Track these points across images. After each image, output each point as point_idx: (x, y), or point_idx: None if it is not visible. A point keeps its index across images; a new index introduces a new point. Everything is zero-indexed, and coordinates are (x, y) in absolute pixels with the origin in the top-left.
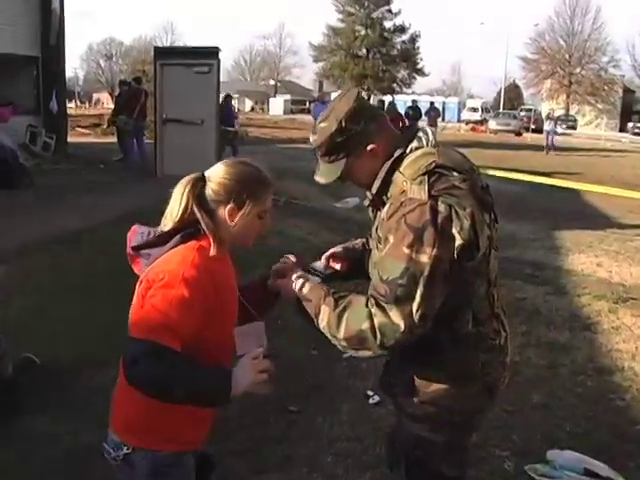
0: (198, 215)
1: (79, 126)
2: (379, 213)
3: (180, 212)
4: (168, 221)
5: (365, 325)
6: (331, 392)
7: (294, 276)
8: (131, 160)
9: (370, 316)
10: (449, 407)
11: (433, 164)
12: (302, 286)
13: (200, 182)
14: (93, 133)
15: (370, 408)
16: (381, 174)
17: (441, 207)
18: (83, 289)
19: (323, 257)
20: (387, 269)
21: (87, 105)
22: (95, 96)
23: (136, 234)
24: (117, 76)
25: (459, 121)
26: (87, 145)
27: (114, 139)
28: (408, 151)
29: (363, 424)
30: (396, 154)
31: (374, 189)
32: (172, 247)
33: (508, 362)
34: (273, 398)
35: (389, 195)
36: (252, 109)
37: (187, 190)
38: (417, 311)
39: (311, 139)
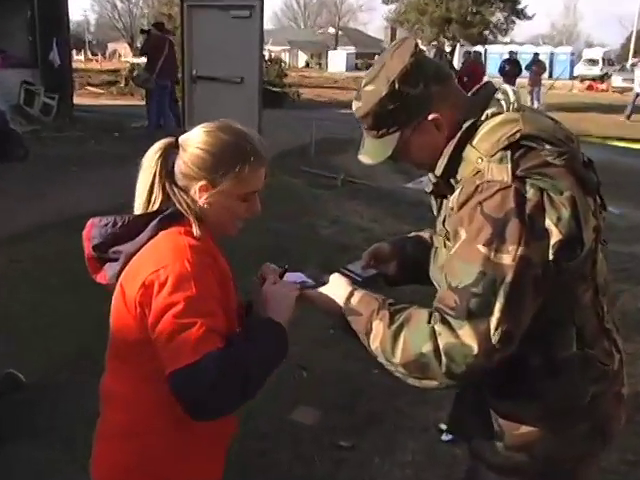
0: (169, 191)
1: (89, 84)
2: (446, 202)
3: (147, 189)
4: (138, 203)
5: (427, 347)
6: (393, 424)
7: (335, 276)
8: (154, 126)
9: (433, 335)
10: (546, 455)
11: (517, 134)
12: (350, 295)
13: (173, 150)
14: (107, 93)
15: (442, 447)
16: (447, 150)
17: (530, 192)
18: (81, 284)
19: (364, 255)
20: (457, 274)
21: (100, 58)
22: (110, 46)
23: (96, 227)
24: (138, 22)
25: (572, 78)
26: (99, 108)
27: (134, 101)
28: (483, 119)
29: (432, 468)
30: (467, 124)
31: (438, 170)
32: (150, 237)
33: (625, 394)
34: (319, 429)
35: (459, 178)
36: (307, 65)
37: (157, 160)
38: (496, 329)
39: (354, 107)
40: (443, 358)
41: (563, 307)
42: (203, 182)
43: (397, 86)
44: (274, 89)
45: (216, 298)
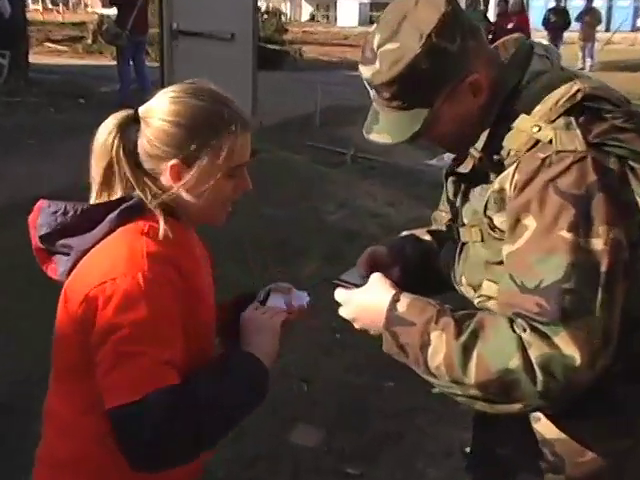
0: (131, 178)
1: (50, 40)
2: (484, 186)
3: (104, 175)
4: (93, 191)
5: (514, 362)
6: (410, 446)
7: (375, 278)
8: (128, 92)
9: (521, 347)
10: None
11: (578, 94)
12: (395, 299)
13: (132, 125)
14: (70, 51)
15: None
16: (488, 119)
17: (610, 161)
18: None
19: (359, 262)
20: (534, 271)
21: (62, 8)
22: None
23: (44, 214)
24: None
25: (634, 30)
26: (61, 69)
27: (103, 60)
28: (526, 79)
29: None
30: (509, 85)
31: (480, 144)
32: (106, 233)
33: None
34: (321, 453)
35: (505, 152)
36: (312, 18)
37: (112, 140)
38: (598, 330)
39: (367, 73)
40: (538, 374)
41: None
42: (174, 161)
43: (434, 41)
44: (272, 47)
45: (173, 322)
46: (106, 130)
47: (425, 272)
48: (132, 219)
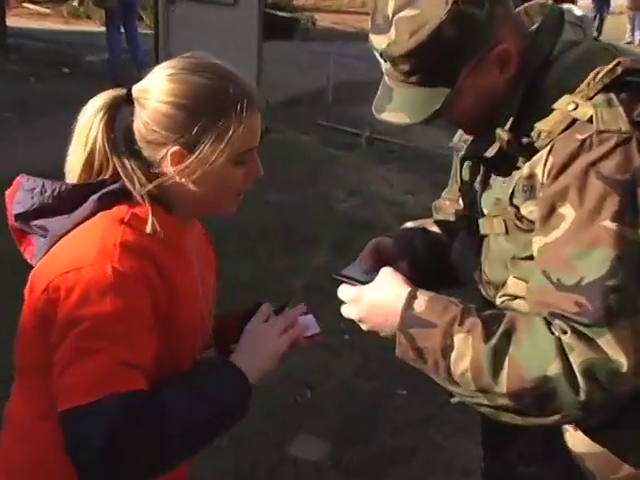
0: (119, 167)
1: (30, 1)
2: (510, 172)
3: (86, 161)
4: (71, 172)
5: (553, 368)
6: (423, 462)
7: (386, 272)
8: (118, 62)
9: (561, 351)
10: None
11: (618, 68)
12: (411, 297)
13: (122, 107)
14: (54, 14)
15: None
16: (516, 95)
17: None
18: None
19: (362, 256)
20: (574, 265)
21: None
22: None
23: (21, 190)
24: None
25: None
26: (43, 34)
27: (91, 26)
28: (558, 49)
29: None
30: (539, 57)
31: (507, 124)
32: (85, 217)
33: None
34: (325, 467)
35: (535, 133)
36: None
37: (99, 122)
38: None
39: (380, 44)
40: (581, 381)
41: None
42: (175, 148)
43: (461, 6)
44: (280, 14)
45: (144, 322)
46: (92, 110)
47: (436, 267)
48: (116, 204)
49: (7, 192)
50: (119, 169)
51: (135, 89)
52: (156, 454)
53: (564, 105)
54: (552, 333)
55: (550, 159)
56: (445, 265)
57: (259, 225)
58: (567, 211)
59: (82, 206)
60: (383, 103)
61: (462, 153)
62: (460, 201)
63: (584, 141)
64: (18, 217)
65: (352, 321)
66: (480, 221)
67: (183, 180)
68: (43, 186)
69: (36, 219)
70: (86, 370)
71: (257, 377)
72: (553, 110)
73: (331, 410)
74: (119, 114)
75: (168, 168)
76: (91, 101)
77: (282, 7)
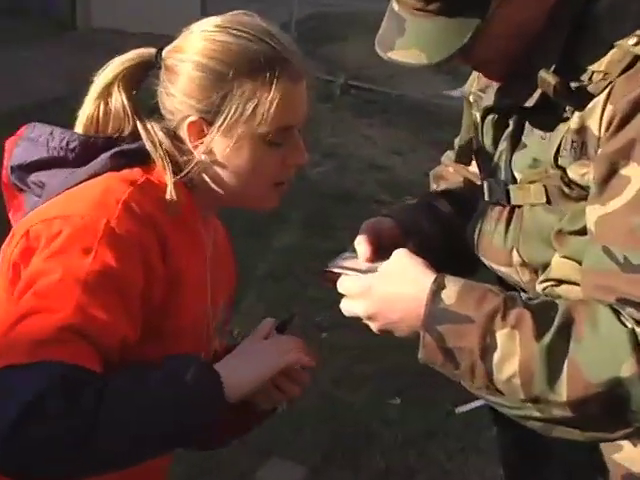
0: (140, 127)
1: None
2: (552, 125)
3: (102, 117)
4: (81, 124)
5: (628, 367)
6: None
7: (400, 254)
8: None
9: (636, 346)
10: None
11: None
12: (439, 286)
13: (151, 67)
14: None
15: None
16: (563, 28)
17: None
18: None
19: (359, 240)
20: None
21: None
22: None
23: (23, 139)
24: None
25: None
26: None
27: None
28: None
29: None
30: None
31: (550, 64)
32: (91, 176)
33: None
34: None
35: (587, 76)
36: None
37: (117, 76)
38: None
39: None
40: None
41: None
42: (194, 117)
43: None
44: None
45: (125, 297)
46: (118, 65)
47: (449, 249)
48: (130, 165)
49: (7, 143)
50: (140, 129)
51: (166, 50)
52: (76, 448)
53: (624, 39)
54: (623, 324)
55: (608, 107)
56: (460, 247)
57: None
58: (633, 172)
59: (91, 162)
60: (392, 38)
61: (485, 104)
62: (471, 167)
63: None
64: (14, 169)
65: (337, 316)
66: (511, 188)
67: (204, 158)
68: (51, 133)
69: (38, 171)
70: (34, 328)
71: (236, 388)
72: (609, 46)
73: (308, 427)
74: (146, 76)
75: (190, 146)
76: (118, 58)
77: None
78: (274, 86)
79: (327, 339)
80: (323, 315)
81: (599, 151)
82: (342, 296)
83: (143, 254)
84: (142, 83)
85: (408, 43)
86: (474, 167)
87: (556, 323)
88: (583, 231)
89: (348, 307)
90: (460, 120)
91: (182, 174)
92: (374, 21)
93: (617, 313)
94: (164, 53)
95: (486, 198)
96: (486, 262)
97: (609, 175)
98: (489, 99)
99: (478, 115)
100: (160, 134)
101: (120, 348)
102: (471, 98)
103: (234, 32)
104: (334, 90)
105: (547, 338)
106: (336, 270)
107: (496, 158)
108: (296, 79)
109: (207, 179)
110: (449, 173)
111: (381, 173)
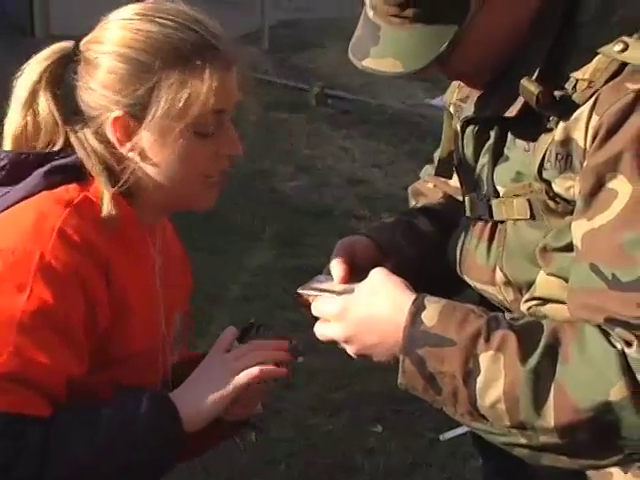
0: (71, 136)
1: None
2: (535, 136)
3: (31, 128)
4: (10, 138)
5: (618, 391)
6: None
7: (377, 273)
8: None
9: (626, 368)
10: None
11: None
12: (418, 307)
13: (69, 62)
14: None
15: None
16: (547, 33)
17: None
18: None
19: (334, 262)
20: (632, 255)
21: None
22: None
23: None
24: None
25: None
26: None
27: None
28: None
29: None
30: None
31: (534, 72)
32: (24, 197)
33: None
34: None
35: (571, 85)
36: None
37: (43, 85)
38: None
39: None
40: None
41: None
42: (118, 112)
43: None
44: None
45: (66, 333)
46: (35, 69)
47: (430, 269)
48: (65, 182)
49: None
50: (72, 139)
51: (83, 41)
52: None
53: (609, 46)
54: (612, 345)
55: (594, 118)
56: (440, 267)
57: (174, 215)
58: (620, 185)
59: (23, 181)
60: (366, 46)
61: (465, 114)
62: (452, 181)
63: (639, 92)
64: None
65: (312, 339)
66: (493, 203)
67: (137, 159)
68: None
69: None
70: None
71: (195, 421)
72: (594, 53)
73: (282, 458)
74: (67, 73)
75: (115, 142)
76: (34, 58)
77: None
78: (204, 75)
79: (302, 363)
80: (298, 338)
81: (585, 164)
82: (317, 319)
83: (83, 284)
84: (63, 81)
85: (383, 51)
86: (455, 181)
87: (542, 345)
88: (569, 247)
89: (323, 331)
90: (440, 130)
91: (119, 184)
92: (351, 27)
93: (606, 334)
94: (81, 45)
95: (468, 214)
96: (469, 281)
97: (596, 189)
98: (469, 109)
99: (458, 126)
100: (93, 141)
101: (67, 384)
102: (451, 109)
103: (157, 20)
104: (309, 100)
105: (533, 361)
106: (310, 292)
107: (477, 171)
108: (226, 66)
109: (144, 183)
110: (428, 189)
111: (359, 187)
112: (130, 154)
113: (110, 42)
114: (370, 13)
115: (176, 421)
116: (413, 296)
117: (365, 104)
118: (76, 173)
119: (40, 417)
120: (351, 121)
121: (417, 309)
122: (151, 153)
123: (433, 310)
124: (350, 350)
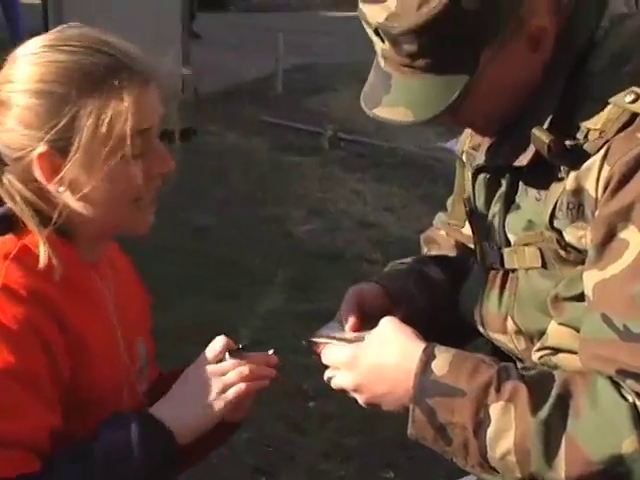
0: None
1: None
2: (551, 185)
3: None
4: None
5: (629, 444)
6: None
7: (386, 322)
8: None
9: (637, 420)
10: None
11: None
12: (428, 356)
13: None
14: None
15: None
16: (557, 84)
17: None
18: None
19: (343, 309)
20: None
21: None
22: None
23: None
24: None
25: None
26: None
27: None
28: (606, 25)
29: None
30: (583, 34)
31: (545, 122)
32: None
33: None
34: None
35: (582, 134)
36: None
37: None
38: None
39: (375, 16)
40: None
41: None
42: (42, 149)
43: None
44: None
45: (34, 388)
46: None
47: (441, 318)
48: (1, 233)
49: None
50: None
51: None
52: None
53: (620, 96)
54: (624, 398)
55: (605, 168)
56: (451, 317)
57: (188, 259)
58: (632, 236)
59: None
60: (378, 94)
61: (477, 163)
62: (464, 229)
63: None
64: None
65: (324, 385)
66: (505, 252)
67: (66, 194)
68: None
69: None
70: None
71: (185, 434)
72: (605, 103)
73: None
74: None
75: (42, 179)
76: None
77: None
78: (123, 96)
79: (314, 408)
80: (309, 381)
81: (596, 213)
82: (328, 366)
83: (38, 335)
84: None
85: (395, 100)
86: (467, 229)
87: (553, 396)
88: (581, 297)
89: (333, 379)
90: (453, 174)
91: (52, 223)
92: (363, 71)
93: (617, 386)
94: None
95: (479, 262)
96: (480, 329)
97: (607, 239)
98: (481, 158)
99: (470, 174)
100: (18, 185)
101: (50, 435)
102: (464, 157)
103: (65, 48)
104: (322, 143)
105: (544, 412)
106: (321, 340)
107: (489, 220)
108: (144, 83)
109: (77, 217)
110: (441, 237)
111: (371, 231)
112: (60, 189)
113: (21, 79)
114: (382, 62)
115: (170, 441)
116: (423, 345)
117: (378, 147)
118: (9, 223)
119: (30, 474)
120: (364, 164)
121: (427, 358)
122: (80, 184)
123: (443, 360)
124: (360, 399)
